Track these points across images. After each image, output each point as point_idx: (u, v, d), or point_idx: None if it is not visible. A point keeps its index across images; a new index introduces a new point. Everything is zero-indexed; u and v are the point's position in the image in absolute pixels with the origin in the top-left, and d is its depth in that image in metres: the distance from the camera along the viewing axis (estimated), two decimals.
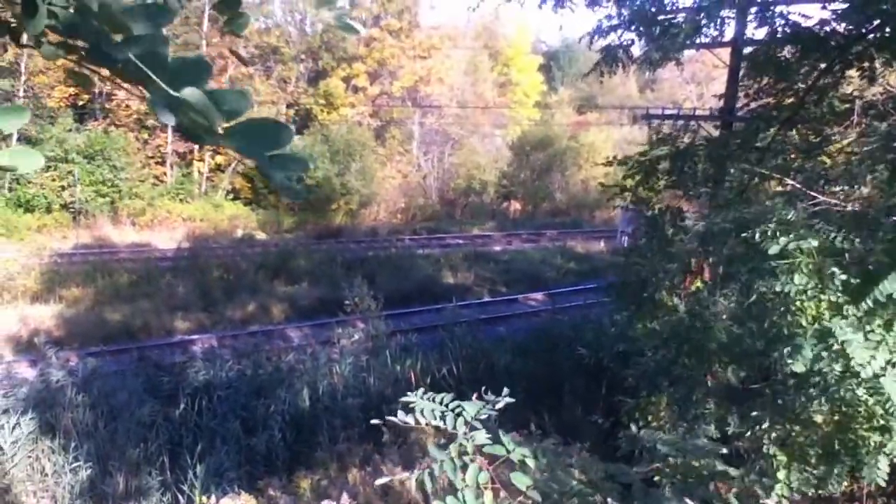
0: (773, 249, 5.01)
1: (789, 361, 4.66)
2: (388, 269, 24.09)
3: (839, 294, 4.77)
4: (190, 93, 1.32)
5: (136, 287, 21.05)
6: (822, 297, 4.80)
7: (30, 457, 10.45)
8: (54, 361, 12.61)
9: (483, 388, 3.45)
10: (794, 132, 9.48)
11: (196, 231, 31.09)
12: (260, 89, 38.47)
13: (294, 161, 1.47)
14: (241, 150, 1.43)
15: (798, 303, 4.85)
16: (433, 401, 3.26)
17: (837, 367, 4.47)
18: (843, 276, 4.87)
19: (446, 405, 3.22)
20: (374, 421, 3.43)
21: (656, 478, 6.15)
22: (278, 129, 1.45)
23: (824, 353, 4.52)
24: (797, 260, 4.92)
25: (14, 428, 10.52)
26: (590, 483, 3.66)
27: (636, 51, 10.83)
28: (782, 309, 5.00)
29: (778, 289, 4.91)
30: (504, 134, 49.69)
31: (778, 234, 5.09)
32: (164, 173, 35.21)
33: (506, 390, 3.36)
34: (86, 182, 30.00)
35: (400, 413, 3.27)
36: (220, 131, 1.40)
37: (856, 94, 8.98)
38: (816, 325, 4.74)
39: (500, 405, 3.27)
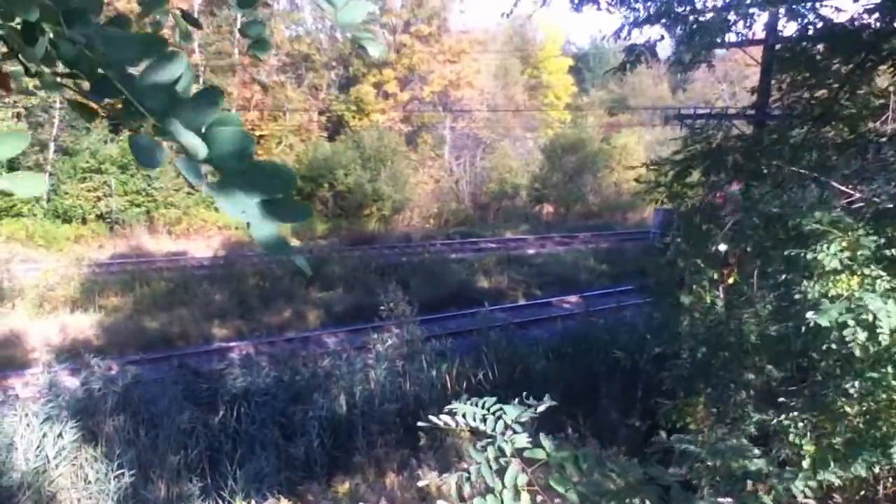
0: (808, 221, 5.00)
1: (810, 315, 4.61)
2: (422, 275, 24.12)
3: (872, 267, 4.73)
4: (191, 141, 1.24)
5: (173, 295, 21.26)
6: (855, 267, 4.76)
7: (73, 464, 10.62)
8: (96, 370, 12.79)
9: (524, 394, 3.46)
10: (828, 128, 9.35)
11: (231, 239, 31.36)
12: (292, 97, 38.75)
13: (294, 208, 1.32)
14: (227, 205, 1.27)
15: (830, 276, 4.81)
16: (475, 405, 3.29)
17: (862, 336, 4.41)
18: (876, 248, 4.84)
19: (488, 409, 3.24)
20: (420, 423, 3.45)
21: (694, 480, 6.12)
22: (278, 174, 1.29)
23: (851, 322, 4.48)
24: (832, 234, 4.90)
25: (58, 437, 10.69)
26: (628, 486, 3.65)
27: (664, 46, 10.70)
28: (813, 280, 4.95)
29: (810, 256, 4.87)
30: (535, 137, 49.58)
31: (815, 210, 5.09)
32: None
33: (546, 396, 3.37)
34: (120, 192, 30.39)
35: (443, 416, 3.29)
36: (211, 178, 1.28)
37: (891, 89, 8.85)
38: (847, 297, 4.70)
39: (541, 408, 3.28)
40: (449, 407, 3.35)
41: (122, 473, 10.46)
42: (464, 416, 3.21)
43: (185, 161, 1.27)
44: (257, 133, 37.11)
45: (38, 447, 10.53)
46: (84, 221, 30.06)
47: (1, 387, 13.56)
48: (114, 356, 15.32)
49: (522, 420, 3.16)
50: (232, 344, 17.16)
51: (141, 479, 10.60)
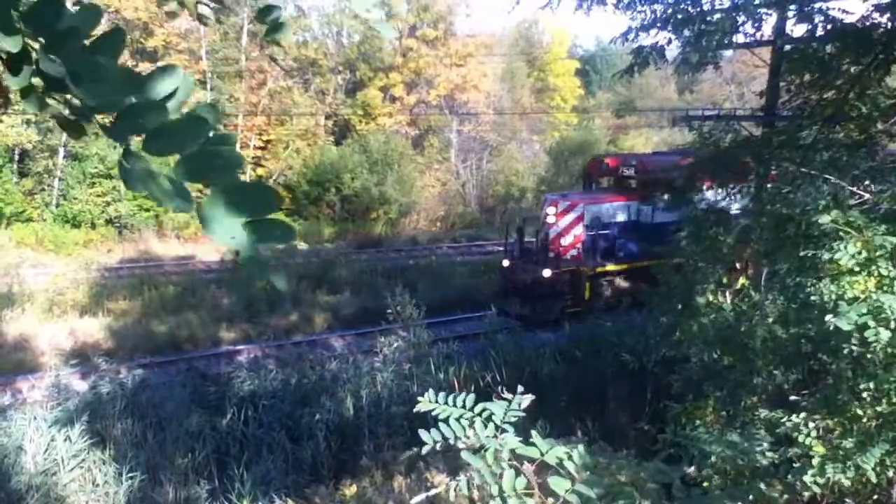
0: (824, 219, 4.96)
1: (830, 318, 4.57)
2: (429, 278, 24.04)
3: (889, 267, 4.69)
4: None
5: (181, 299, 21.28)
6: (872, 268, 4.72)
7: (82, 467, 10.62)
8: (105, 374, 12.81)
9: (533, 396, 3.35)
10: (837, 129, 9.31)
11: None
12: (299, 101, 38.82)
13: (280, 230, 1.28)
14: (212, 226, 1.27)
15: (846, 277, 4.77)
16: (454, 404, 3.16)
17: (885, 336, 4.37)
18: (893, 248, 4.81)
19: (471, 409, 3.13)
20: (422, 450, 3.30)
21: (705, 483, 6.09)
22: (261, 194, 1.26)
23: (871, 323, 4.43)
24: (847, 233, 4.86)
25: (66, 440, 10.70)
26: (632, 483, 3.59)
27: (671, 47, 10.66)
28: (827, 282, 4.91)
29: (826, 257, 4.83)
30: (542, 140, 49.49)
31: (829, 207, 5.06)
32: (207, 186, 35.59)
33: (523, 391, 3.24)
34: (129, 197, 30.44)
35: (424, 434, 3.15)
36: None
37: None
38: (865, 299, 4.66)
39: (525, 403, 3.14)
40: (418, 406, 3.26)
41: (131, 476, 10.46)
42: (447, 422, 3.11)
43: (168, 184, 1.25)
44: (264, 138, 37.22)
45: (46, 450, 10.55)
46: (93, 226, 30.15)
47: (11, 390, 13.59)
48: (122, 360, 15.34)
49: (512, 420, 3.07)
50: (239, 347, 17.16)
51: (149, 481, 10.60)
